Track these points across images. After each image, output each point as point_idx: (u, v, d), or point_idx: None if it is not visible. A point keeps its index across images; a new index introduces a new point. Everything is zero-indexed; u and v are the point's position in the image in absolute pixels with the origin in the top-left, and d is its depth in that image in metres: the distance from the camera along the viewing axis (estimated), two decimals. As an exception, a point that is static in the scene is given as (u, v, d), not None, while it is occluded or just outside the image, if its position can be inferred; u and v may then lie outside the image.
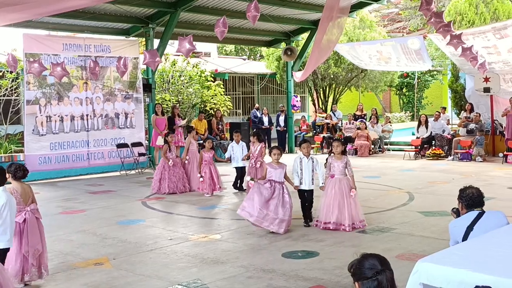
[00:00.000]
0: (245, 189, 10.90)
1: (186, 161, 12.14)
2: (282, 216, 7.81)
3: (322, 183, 8.20)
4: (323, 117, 20.87)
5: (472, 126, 16.58)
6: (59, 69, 7.02)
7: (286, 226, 7.88)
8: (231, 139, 17.74)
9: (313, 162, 8.30)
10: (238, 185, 11.71)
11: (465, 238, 4.51)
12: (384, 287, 2.72)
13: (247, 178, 10.45)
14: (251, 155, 11.17)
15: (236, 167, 11.66)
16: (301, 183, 8.29)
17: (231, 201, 10.67)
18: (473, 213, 4.68)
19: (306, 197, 8.40)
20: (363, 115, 20.15)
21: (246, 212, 7.89)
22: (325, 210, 7.95)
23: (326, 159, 8.27)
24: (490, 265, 3.44)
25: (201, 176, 11.25)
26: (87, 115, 14.94)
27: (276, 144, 15.48)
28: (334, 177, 8.01)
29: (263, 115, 20.58)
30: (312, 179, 8.31)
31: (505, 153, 15.37)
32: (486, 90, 16.23)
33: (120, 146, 15.31)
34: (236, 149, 11.61)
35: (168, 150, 11.75)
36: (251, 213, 7.82)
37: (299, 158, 8.34)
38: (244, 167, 11.45)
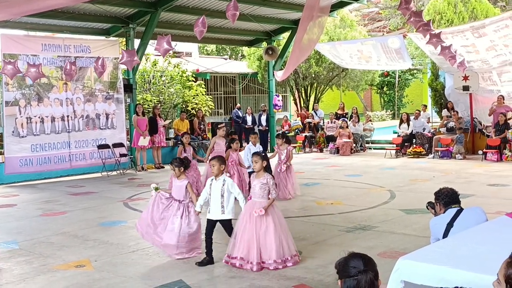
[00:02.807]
0: None
1: (207, 162, 11.55)
2: (167, 241, 6.61)
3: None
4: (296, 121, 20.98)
5: (451, 124, 16.76)
6: (34, 70, 6.92)
7: (175, 251, 6.59)
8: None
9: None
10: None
11: (445, 235, 4.56)
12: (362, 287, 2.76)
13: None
14: (278, 159, 10.57)
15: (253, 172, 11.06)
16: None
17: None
18: (452, 210, 4.75)
19: None
20: (344, 114, 20.26)
21: (138, 224, 6.97)
22: (232, 241, 6.30)
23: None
24: (470, 261, 3.48)
25: (230, 176, 10.38)
26: (67, 116, 14.80)
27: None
28: (251, 200, 6.41)
29: (246, 114, 20.60)
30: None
31: (484, 150, 15.56)
32: (465, 88, 16.41)
33: (101, 147, 15.20)
34: (252, 152, 11.07)
35: (183, 151, 11.00)
36: (140, 227, 6.86)
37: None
38: None
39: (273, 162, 10.72)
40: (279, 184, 10.52)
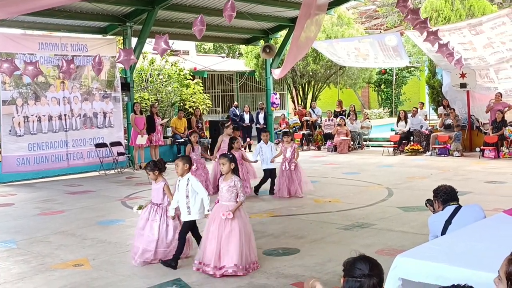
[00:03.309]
0: (274, 193, 10.53)
1: (215, 160, 11.04)
2: (145, 246, 6.37)
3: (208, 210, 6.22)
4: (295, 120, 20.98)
5: (449, 121, 16.78)
6: (32, 68, 6.91)
7: (152, 258, 6.35)
8: (211, 137, 17.77)
9: None
10: (258, 189, 10.77)
11: (443, 232, 4.57)
12: None
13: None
14: (283, 157, 10.52)
15: (265, 169, 10.74)
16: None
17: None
18: (451, 208, 4.75)
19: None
20: (342, 111, 20.26)
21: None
22: (201, 247, 6.06)
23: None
24: (468, 259, 3.48)
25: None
26: (65, 115, 14.77)
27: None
28: (218, 203, 6.14)
29: (244, 112, 20.60)
30: None
31: (481, 147, 15.58)
32: (463, 85, 16.43)
33: (98, 145, 15.18)
34: (265, 150, 10.73)
35: (191, 150, 10.84)
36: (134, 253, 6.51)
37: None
38: (274, 169, 10.71)
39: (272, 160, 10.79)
40: (282, 183, 10.45)
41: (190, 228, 6.34)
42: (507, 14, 13.79)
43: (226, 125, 12.39)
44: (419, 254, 3.66)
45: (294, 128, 20.56)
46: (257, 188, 10.72)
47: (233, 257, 5.80)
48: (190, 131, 12.18)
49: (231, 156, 6.17)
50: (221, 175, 6.32)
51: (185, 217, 6.25)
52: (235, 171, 6.19)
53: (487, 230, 4.22)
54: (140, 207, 6.67)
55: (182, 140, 17.15)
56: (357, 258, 2.88)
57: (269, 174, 10.73)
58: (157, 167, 6.52)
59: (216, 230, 5.87)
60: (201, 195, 6.19)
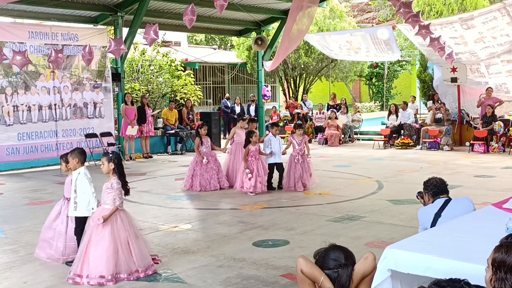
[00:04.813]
0: (282, 187, 10.32)
1: (227, 152, 11.00)
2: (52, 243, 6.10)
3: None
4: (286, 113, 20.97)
5: (439, 115, 16.85)
6: (20, 58, 6.82)
7: (60, 256, 6.04)
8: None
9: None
10: (276, 183, 10.50)
11: (433, 224, 4.59)
12: (343, 282, 2.76)
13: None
14: (294, 149, 10.27)
15: (271, 163, 10.41)
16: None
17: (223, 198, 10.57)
18: (440, 200, 4.77)
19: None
20: (336, 105, 20.25)
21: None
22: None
23: None
24: (456, 251, 3.50)
25: (250, 172, 9.90)
26: (55, 105, 14.67)
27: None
28: (101, 206, 5.69)
29: (235, 104, 20.58)
30: None
31: (471, 142, 15.66)
32: (454, 80, 16.48)
33: (88, 136, 15.11)
34: (274, 143, 10.37)
35: (200, 144, 10.50)
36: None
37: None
38: (281, 163, 10.46)
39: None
40: (294, 175, 10.14)
41: (84, 225, 5.86)
42: (499, 9, 13.82)
43: (243, 117, 11.99)
44: (408, 246, 3.67)
45: (284, 121, 20.55)
46: (269, 185, 10.31)
47: (98, 266, 5.34)
48: (199, 123, 11.30)
49: (110, 155, 5.60)
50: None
51: (72, 213, 5.88)
52: (118, 172, 5.56)
53: (475, 222, 4.25)
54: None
55: (173, 131, 17.11)
56: (329, 248, 2.85)
57: (274, 168, 10.43)
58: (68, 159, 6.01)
59: (88, 235, 5.50)
60: (86, 193, 5.76)
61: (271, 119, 21.21)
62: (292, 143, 10.39)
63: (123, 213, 5.65)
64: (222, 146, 11.13)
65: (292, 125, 19.80)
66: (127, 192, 5.68)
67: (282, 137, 12.83)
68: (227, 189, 10.56)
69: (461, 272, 3.23)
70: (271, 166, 10.43)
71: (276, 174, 10.56)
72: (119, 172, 5.56)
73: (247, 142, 10.07)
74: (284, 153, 10.45)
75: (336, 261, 2.79)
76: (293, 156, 10.31)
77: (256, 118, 14.12)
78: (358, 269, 3.41)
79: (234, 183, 10.62)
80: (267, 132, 12.21)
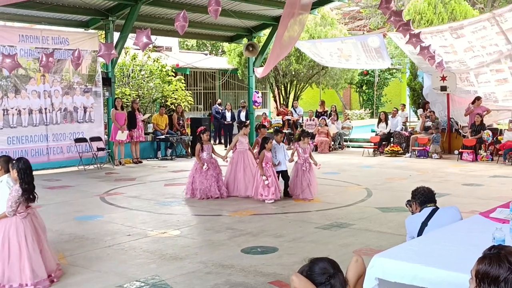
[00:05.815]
0: (291, 195, 10.15)
1: (226, 161, 10.64)
2: None
3: None
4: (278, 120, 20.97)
5: (428, 123, 16.95)
6: (9, 61, 6.80)
7: None
8: (192, 135, 17.65)
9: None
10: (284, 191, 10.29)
11: (420, 233, 4.61)
12: None
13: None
14: (299, 157, 10.09)
15: (279, 171, 10.15)
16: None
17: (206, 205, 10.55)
18: (428, 209, 4.80)
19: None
20: (324, 112, 20.30)
21: None
22: None
23: None
24: (443, 260, 3.52)
25: (267, 179, 9.65)
26: (45, 109, 14.60)
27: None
28: None
29: (226, 110, 20.58)
30: None
31: (460, 150, 15.76)
32: (443, 88, 16.59)
33: (78, 140, 15.05)
34: (278, 150, 10.14)
35: (201, 150, 10.24)
36: None
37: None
38: (286, 170, 10.26)
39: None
40: (301, 183, 9.98)
41: None
42: (488, 18, 13.95)
43: (246, 123, 11.77)
44: (395, 254, 3.69)
45: (275, 128, 20.56)
46: (286, 192, 10.18)
47: (18, 275, 5.29)
48: (201, 128, 10.76)
49: (14, 162, 5.39)
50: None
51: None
52: (22, 180, 5.31)
53: (462, 231, 4.27)
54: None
55: (163, 136, 17.08)
56: (312, 263, 2.81)
57: (279, 176, 10.13)
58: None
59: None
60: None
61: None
62: (297, 151, 10.22)
63: (24, 221, 5.41)
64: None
65: (283, 132, 19.87)
66: (30, 199, 5.44)
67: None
68: (225, 199, 10.30)
69: (448, 281, 3.25)
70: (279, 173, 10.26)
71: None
72: (23, 179, 5.31)
73: (262, 148, 9.90)
74: (291, 161, 10.28)
75: (324, 273, 2.77)
76: (300, 164, 10.11)
77: (265, 125, 13.98)
78: (353, 272, 3.44)
79: (234, 192, 10.43)
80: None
